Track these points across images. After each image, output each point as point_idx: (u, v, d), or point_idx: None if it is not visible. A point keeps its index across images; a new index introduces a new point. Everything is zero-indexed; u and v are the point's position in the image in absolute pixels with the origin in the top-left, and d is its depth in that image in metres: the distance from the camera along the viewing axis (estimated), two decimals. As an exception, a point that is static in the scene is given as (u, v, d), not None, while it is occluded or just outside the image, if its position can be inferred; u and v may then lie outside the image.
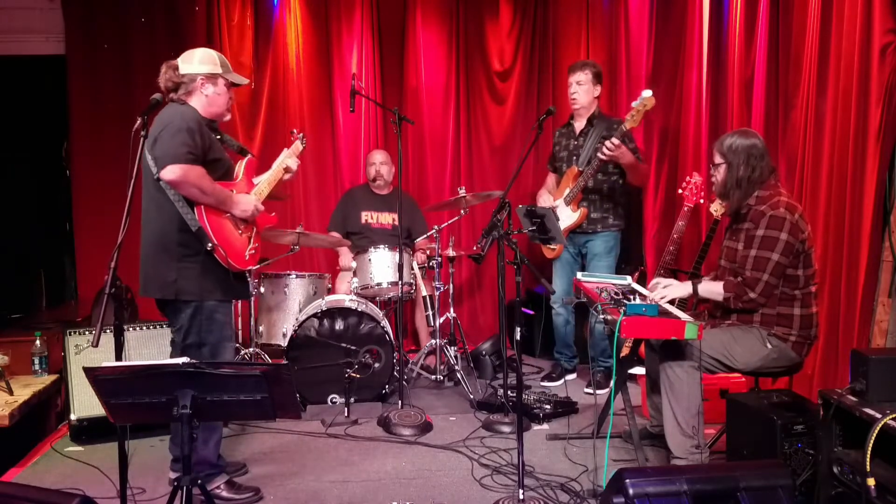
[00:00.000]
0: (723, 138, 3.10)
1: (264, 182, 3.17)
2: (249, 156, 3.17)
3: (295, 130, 3.58)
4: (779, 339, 2.94)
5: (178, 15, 5.11)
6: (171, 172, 2.70)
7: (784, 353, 2.94)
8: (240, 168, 3.09)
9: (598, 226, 4.33)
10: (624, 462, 3.22)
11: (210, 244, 2.79)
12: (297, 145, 3.43)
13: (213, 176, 2.86)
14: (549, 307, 4.60)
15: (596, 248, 4.34)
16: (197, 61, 2.94)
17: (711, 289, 3.03)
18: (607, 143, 3.99)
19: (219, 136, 3.04)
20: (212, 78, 2.94)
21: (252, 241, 3.03)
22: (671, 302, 3.05)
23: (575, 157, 4.33)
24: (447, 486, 3.08)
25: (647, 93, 3.93)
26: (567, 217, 4.27)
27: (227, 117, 3.09)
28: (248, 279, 3.13)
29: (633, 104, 4.00)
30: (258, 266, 4.44)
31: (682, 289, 3.08)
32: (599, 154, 4.04)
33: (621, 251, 4.84)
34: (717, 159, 3.08)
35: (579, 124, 4.40)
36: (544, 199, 4.47)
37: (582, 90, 4.31)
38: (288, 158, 3.30)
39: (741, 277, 2.94)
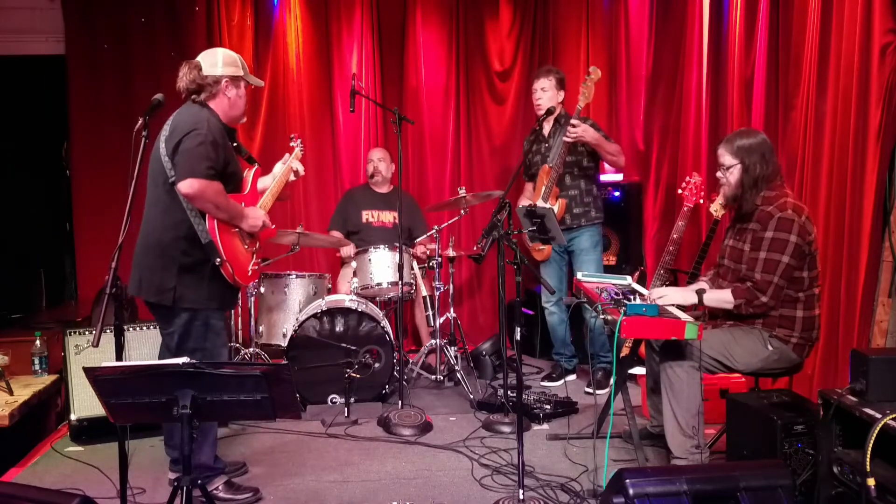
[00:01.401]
0: (730, 140, 3.02)
1: (268, 194, 3.15)
2: (257, 165, 3.15)
3: (293, 136, 3.58)
4: (780, 340, 2.93)
5: (178, 15, 5.11)
6: (188, 186, 2.67)
7: (785, 354, 2.94)
8: (248, 178, 3.06)
9: (582, 220, 4.34)
10: (624, 462, 3.22)
11: (218, 259, 2.76)
12: (297, 151, 3.42)
13: (227, 189, 2.84)
14: (542, 307, 4.60)
15: (582, 244, 4.35)
16: (221, 63, 2.88)
17: (719, 297, 2.97)
18: (568, 128, 4.08)
19: (234, 144, 3.02)
20: (235, 80, 2.92)
21: (255, 256, 3.02)
22: None
23: (547, 157, 4.35)
24: (447, 486, 3.08)
25: (592, 68, 4.10)
26: None
27: (244, 119, 3.10)
28: (237, 290, 3.17)
29: (582, 84, 4.10)
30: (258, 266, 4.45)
31: (684, 296, 3.01)
32: (563, 138, 4.10)
33: (621, 251, 4.85)
34: (729, 161, 3.00)
35: (547, 127, 4.42)
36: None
37: (546, 96, 4.32)
38: (293, 163, 3.29)
39: (750, 282, 2.91)
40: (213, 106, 2.89)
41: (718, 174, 3.08)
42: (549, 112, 4.21)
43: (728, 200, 3.10)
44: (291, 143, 3.52)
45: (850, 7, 3.42)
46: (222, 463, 3.05)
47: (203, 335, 2.85)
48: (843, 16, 3.47)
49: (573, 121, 4.08)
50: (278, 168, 3.29)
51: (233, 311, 4.47)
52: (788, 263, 2.85)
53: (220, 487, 2.94)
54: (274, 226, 3.21)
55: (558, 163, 4.19)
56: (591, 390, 4.20)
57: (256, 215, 2.97)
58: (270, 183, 3.21)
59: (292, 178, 3.30)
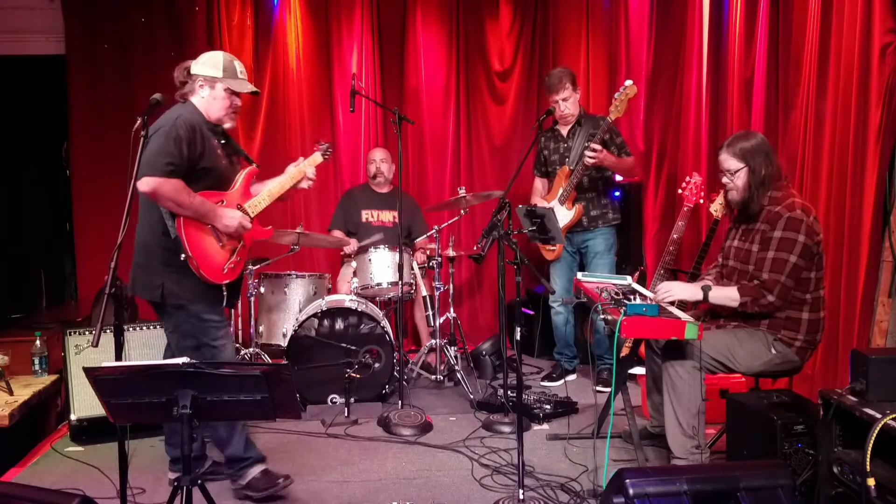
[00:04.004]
0: (731, 144, 2.99)
1: (264, 194, 3.07)
2: (253, 166, 3.10)
3: (321, 141, 3.43)
4: (784, 343, 2.92)
5: (178, 15, 5.11)
6: (145, 184, 2.66)
7: (787, 357, 2.93)
8: (239, 177, 3.01)
9: (599, 222, 4.35)
10: (624, 462, 3.23)
11: (184, 255, 2.75)
12: (317, 156, 3.29)
13: (200, 185, 2.81)
14: (548, 307, 4.61)
15: (597, 247, 4.35)
16: (201, 62, 2.91)
17: (725, 294, 2.94)
18: (588, 151, 4.08)
19: (223, 141, 2.99)
20: (210, 81, 2.90)
21: (235, 254, 2.92)
22: (672, 302, 3.02)
23: (566, 158, 4.35)
24: (447, 486, 3.08)
25: (629, 82, 4.05)
26: (564, 216, 4.27)
27: (229, 124, 3.01)
28: (237, 288, 3.05)
29: (616, 95, 4.07)
30: (258, 266, 4.45)
31: (690, 292, 2.99)
32: (585, 159, 4.11)
33: (621, 250, 4.85)
34: (735, 165, 2.97)
35: (566, 128, 4.42)
36: (536, 203, 4.48)
37: (569, 105, 4.33)
38: (306, 167, 3.19)
39: (757, 280, 2.89)
40: (195, 102, 2.91)
41: (725, 180, 3.04)
42: (549, 112, 4.21)
43: (737, 205, 3.06)
44: (317, 146, 3.37)
45: (850, 7, 3.42)
46: (255, 451, 2.99)
47: (200, 330, 2.85)
48: (843, 16, 3.48)
49: (594, 145, 4.08)
50: (290, 169, 3.20)
51: (233, 311, 4.47)
52: (796, 263, 2.85)
53: (257, 475, 2.93)
54: (270, 227, 3.15)
55: (579, 169, 4.19)
56: (600, 388, 4.20)
57: (231, 216, 2.87)
58: (274, 184, 3.14)
59: (304, 185, 3.19)
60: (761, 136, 3.03)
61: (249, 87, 3.02)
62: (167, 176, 2.70)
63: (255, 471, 2.95)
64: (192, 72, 2.90)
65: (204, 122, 2.89)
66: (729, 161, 3.00)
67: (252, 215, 2.99)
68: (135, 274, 2.86)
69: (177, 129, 2.74)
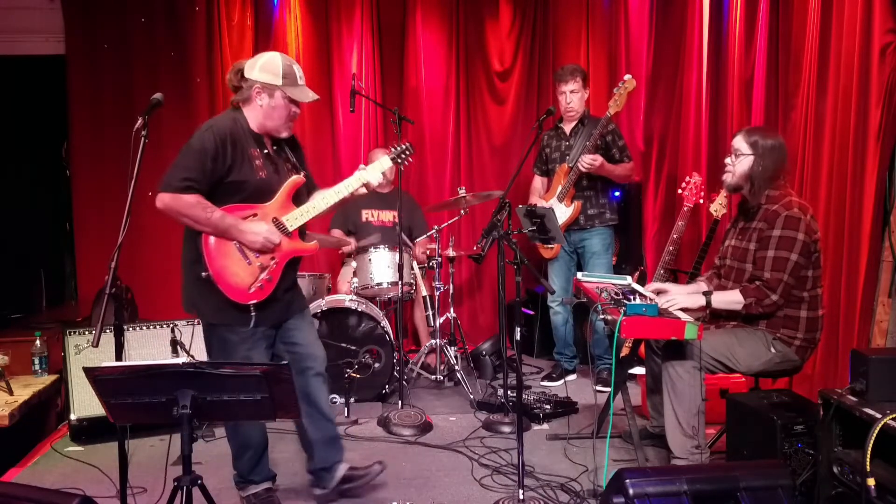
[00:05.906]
0: (751, 132, 2.99)
1: (308, 205, 2.80)
2: (297, 176, 2.81)
3: (397, 143, 3.05)
4: (783, 342, 2.92)
5: (178, 15, 5.11)
6: (159, 200, 2.58)
7: (787, 357, 2.93)
8: (282, 188, 2.76)
9: (596, 221, 4.35)
10: (624, 462, 3.22)
11: (204, 273, 2.63)
12: (384, 160, 2.92)
13: (232, 199, 2.66)
14: (547, 307, 4.61)
15: (594, 247, 4.35)
16: (259, 67, 2.69)
17: (728, 299, 2.94)
18: (584, 158, 4.13)
19: (268, 150, 2.77)
20: (269, 88, 2.68)
21: (266, 272, 2.70)
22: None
23: (567, 156, 4.35)
24: (447, 486, 3.08)
25: (627, 76, 4.12)
26: (562, 213, 4.27)
27: (285, 134, 2.78)
28: (271, 308, 2.76)
29: (615, 89, 4.11)
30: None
31: (693, 300, 2.98)
32: (579, 165, 4.15)
33: (621, 251, 4.85)
34: (745, 150, 2.97)
35: (569, 126, 4.42)
36: (535, 202, 4.48)
37: (576, 98, 4.35)
38: (366, 175, 2.83)
39: (759, 280, 2.90)
40: (246, 111, 2.73)
41: (727, 160, 3.05)
42: (549, 112, 4.21)
43: (729, 189, 3.08)
44: (390, 149, 2.96)
45: (850, 7, 3.42)
46: (262, 474, 2.94)
47: (222, 350, 2.75)
48: (843, 16, 3.48)
49: (586, 157, 4.14)
50: (354, 175, 2.87)
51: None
52: (797, 262, 2.85)
53: (259, 492, 2.91)
54: (315, 242, 2.89)
55: (577, 169, 4.21)
56: (600, 388, 4.20)
57: (255, 231, 2.66)
58: (326, 193, 2.84)
59: (362, 191, 2.86)
60: (782, 140, 3.01)
61: (312, 96, 2.77)
62: (182, 192, 2.57)
63: (259, 488, 2.93)
64: (248, 77, 2.69)
65: (246, 133, 2.71)
66: (742, 145, 2.99)
67: (290, 229, 2.75)
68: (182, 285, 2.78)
69: (202, 142, 2.61)
